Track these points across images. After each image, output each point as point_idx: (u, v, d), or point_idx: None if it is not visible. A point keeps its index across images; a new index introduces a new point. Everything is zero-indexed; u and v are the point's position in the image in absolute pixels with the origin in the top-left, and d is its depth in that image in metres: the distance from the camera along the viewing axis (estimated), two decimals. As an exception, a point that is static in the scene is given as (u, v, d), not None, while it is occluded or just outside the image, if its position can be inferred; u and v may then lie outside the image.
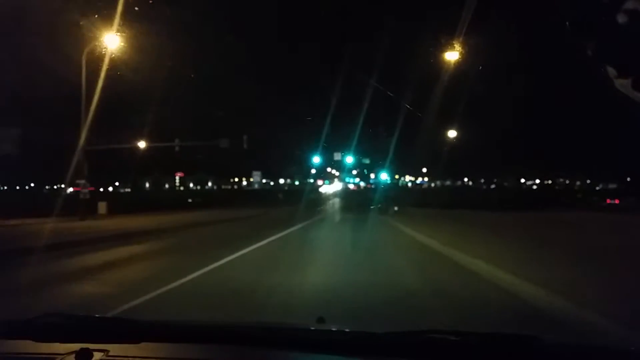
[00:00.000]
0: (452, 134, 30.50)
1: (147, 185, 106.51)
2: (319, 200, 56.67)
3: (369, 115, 28.17)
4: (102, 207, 26.75)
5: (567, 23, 1.05)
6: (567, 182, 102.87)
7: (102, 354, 1.61)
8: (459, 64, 17.02)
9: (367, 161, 35.13)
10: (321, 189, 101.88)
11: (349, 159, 34.79)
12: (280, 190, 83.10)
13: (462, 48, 15.97)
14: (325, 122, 31.03)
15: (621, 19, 0.98)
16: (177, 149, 26.35)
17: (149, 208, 30.55)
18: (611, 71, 1.05)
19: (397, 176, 31.77)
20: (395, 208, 26.91)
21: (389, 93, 25.95)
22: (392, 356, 1.62)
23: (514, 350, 1.56)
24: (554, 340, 1.72)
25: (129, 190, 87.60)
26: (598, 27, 1.02)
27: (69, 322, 1.94)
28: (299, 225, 19.30)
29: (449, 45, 16.16)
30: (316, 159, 35.12)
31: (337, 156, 34.06)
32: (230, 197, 51.23)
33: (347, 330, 1.88)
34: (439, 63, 17.37)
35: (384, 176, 31.53)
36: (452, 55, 16.53)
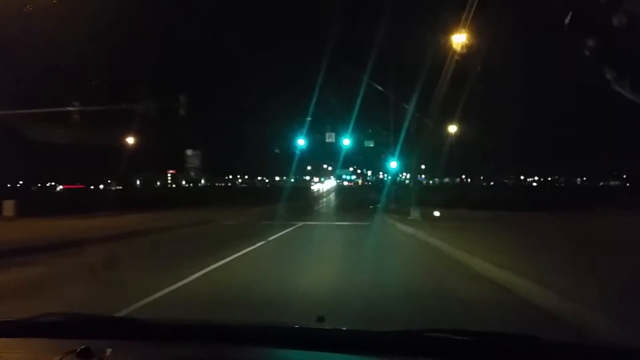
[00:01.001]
0: (452, 129, 24.38)
1: (138, 182, 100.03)
2: (309, 198, 48.20)
3: (369, 101, 21.08)
4: (7, 207, 19.66)
5: (565, 24, 1.00)
6: (562, 179, 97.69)
7: (104, 352, 1.52)
8: (459, 62, 15.08)
9: (371, 144, 24.94)
10: (314, 187, 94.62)
11: (346, 142, 24.57)
12: (266, 188, 76.21)
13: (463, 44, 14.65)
14: (313, 94, 22.26)
15: (617, 21, 0.96)
16: (75, 116, 16.78)
17: (105, 208, 22.97)
18: (608, 72, 1.02)
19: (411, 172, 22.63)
20: (436, 213, 16.47)
21: (381, 89, 19.31)
22: (392, 354, 1.53)
23: (514, 350, 1.48)
24: (553, 340, 1.56)
25: (120, 188, 79.46)
26: (595, 28, 0.99)
27: (70, 321, 1.85)
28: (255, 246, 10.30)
29: (449, 36, 14.66)
30: (301, 142, 24.80)
31: (329, 137, 23.85)
32: (213, 196, 44.58)
33: (345, 328, 1.78)
34: (442, 52, 15.19)
35: (394, 165, 21.57)
36: (459, 38, 14.61)
